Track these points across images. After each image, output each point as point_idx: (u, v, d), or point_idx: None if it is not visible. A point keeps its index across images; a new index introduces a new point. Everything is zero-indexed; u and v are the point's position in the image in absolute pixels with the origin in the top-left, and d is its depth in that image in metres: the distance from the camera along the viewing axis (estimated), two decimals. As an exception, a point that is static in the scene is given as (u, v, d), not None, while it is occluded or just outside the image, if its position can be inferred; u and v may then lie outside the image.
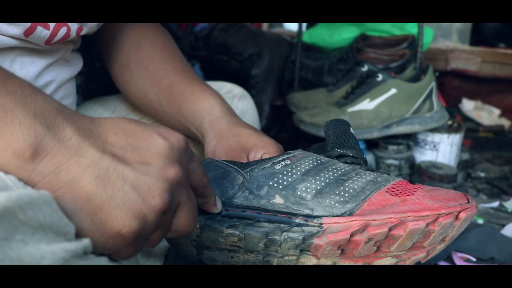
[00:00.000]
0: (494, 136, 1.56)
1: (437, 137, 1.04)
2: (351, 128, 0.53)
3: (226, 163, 0.47)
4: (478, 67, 1.76)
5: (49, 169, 0.29)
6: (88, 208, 0.30)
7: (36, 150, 0.29)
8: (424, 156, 1.06)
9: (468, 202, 0.46)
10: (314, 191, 0.44)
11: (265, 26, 2.06)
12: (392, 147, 1.02)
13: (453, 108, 1.72)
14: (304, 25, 1.56)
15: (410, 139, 1.06)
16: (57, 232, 0.28)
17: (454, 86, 1.80)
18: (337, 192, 0.44)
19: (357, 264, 0.47)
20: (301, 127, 1.04)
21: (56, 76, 0.62)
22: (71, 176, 0.29)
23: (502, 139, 1.54)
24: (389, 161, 1.00)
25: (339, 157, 0.50)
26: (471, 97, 1.80)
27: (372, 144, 1.05)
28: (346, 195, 0.44)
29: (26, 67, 0.57)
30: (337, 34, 1.43)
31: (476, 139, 1.49)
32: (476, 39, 1.88)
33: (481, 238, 0.86)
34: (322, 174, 0.45)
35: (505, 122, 1.71)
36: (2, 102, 0.29)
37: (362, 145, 0.98)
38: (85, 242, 0.29)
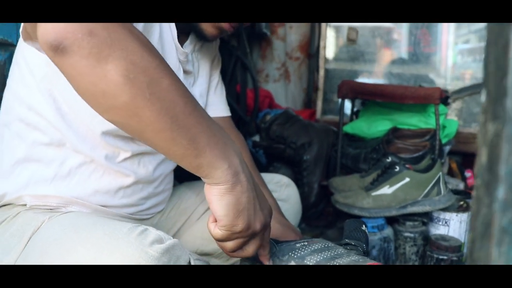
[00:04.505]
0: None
1: (447, 215, 1.30)
2: (363, 226, 0.78)
3: (271, 239, 0.75)
4: (507, 150, 1.97)
5: (238, 185, 0.60)
6: (236, 207, 0.60)
7: (235, 181, 0.60)
8: (437, 230, 1.32)
9: None
10: (314, 262, 0.70)
11: (318, 113, 2.41)
12: (409, 223, 1.29)
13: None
14: (347, 118, 1.89)
15: (425, 217, 1.33)
16: (184, 260, 0.61)
17: (486, 166, 2.01)
18: (328, 264, 0.70)
19: None
20: (337, 206, 1.35)
21: (164, 170, 0.88)
22: (239, 192, 0.60)
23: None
24: (406, 234, 1.28)
25: (345, 244, 0.75)
26: (503, 176, 2.00)
27: (393, 220, 1.33)
28: None
29: (146, 166, 0.81)
30: (374, 127, 1.72)
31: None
32: (506, 124, 2.09)
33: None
34: (323, 253, 0.71)
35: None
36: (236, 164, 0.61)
37: (382, 221, 1.27)
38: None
